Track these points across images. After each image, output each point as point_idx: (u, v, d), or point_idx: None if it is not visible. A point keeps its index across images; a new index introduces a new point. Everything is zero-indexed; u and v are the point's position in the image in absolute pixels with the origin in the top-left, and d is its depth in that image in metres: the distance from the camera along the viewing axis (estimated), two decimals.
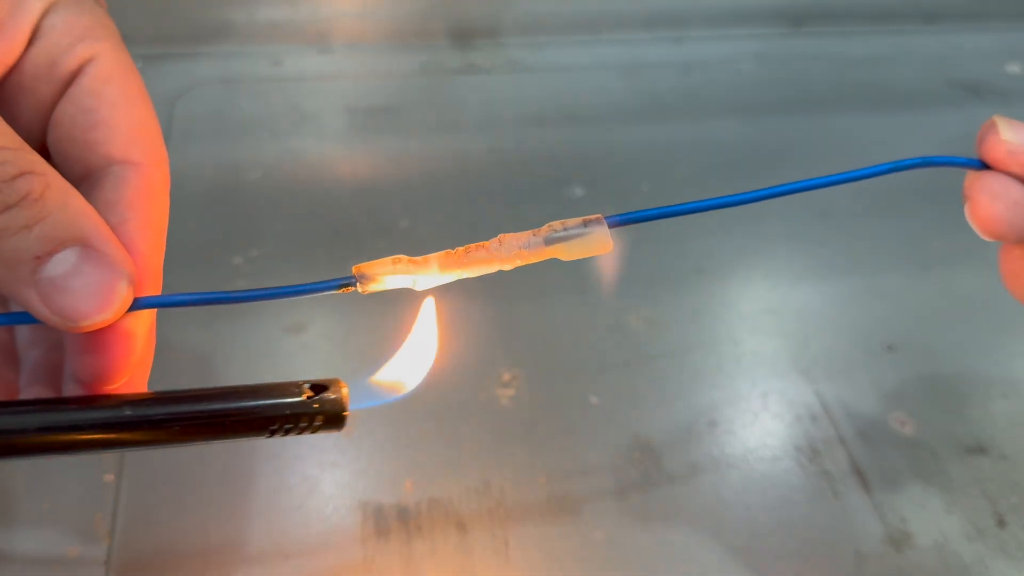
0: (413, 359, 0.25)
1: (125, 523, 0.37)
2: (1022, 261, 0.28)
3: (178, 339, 0.44)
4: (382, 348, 0.26)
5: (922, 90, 0.69)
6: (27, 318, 0.21)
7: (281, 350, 0.45)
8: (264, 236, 0.51)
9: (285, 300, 0.47)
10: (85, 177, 0.24)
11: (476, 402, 0.43)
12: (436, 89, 0.65)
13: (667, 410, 0.44)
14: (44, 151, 0.25)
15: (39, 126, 0.25)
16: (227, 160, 0.57)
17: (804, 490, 0.41)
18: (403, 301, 0.27)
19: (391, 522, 0.38)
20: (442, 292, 0.25)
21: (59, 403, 0.23)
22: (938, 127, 0.65)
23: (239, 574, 0.36)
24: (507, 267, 0.23)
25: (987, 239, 0.27)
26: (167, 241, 0.25)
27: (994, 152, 0.26)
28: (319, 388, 0.22)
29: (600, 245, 0.23)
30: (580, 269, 0.50)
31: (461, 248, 0.23)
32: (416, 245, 0.25)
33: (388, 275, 0.23)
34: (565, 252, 0.23)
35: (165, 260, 0.25)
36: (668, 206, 0.23)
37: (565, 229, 0.23)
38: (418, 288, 0.23)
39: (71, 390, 0.24)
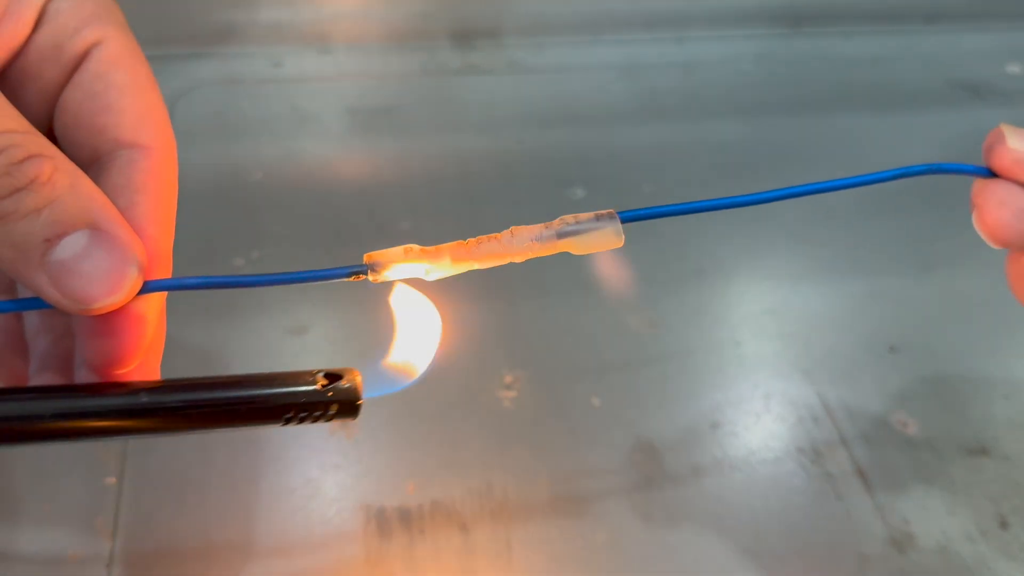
0: (418, 339, 0.25)
1: (127, 525, 0.37)
2: None
3: (180, 341, 0.44)
4: (384, 349, 0.26)
5: (922, 90, 0.69)
6: (38, 303, 0.21)
7: (283, 352, 0.45)
8: (265, 237, 0.51)
9: (288, 301, 0.47)
10: (93, 161, 0.24)
11: (478, 404, 0.43)
12: (437, 90, 0.65)
13: (669, 412, 0.44)
14: (51, 136, 0.24)
15: (46, 111, 0.24)
16: (228, 161, 0.57)
17: (806, 492, 0.41)
18: None
19: (394, 524, 0.38)
20: (443, 293, 0.25)
21: (75, 390, 0.23)
22: (938, 127, 0.65)
23: None
24: (518, 259, 0.23)
25: (995, 247, 0.27)
26: None
27: (1001, 161, 0.26)
28: (333, 377, 0.22)
29: (612, 240, 0.23)
30: (581, 270, 0.50)
31: (473, 239, 0.23)
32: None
33: (399, 264, 0.22)
34: (577, 246, 0.23)
35: None
36: (678, 204, 0.23)
37: (577, 223, 0.23)
38: (429, 278, 0.23)
39: (83, 376, 0.24)
